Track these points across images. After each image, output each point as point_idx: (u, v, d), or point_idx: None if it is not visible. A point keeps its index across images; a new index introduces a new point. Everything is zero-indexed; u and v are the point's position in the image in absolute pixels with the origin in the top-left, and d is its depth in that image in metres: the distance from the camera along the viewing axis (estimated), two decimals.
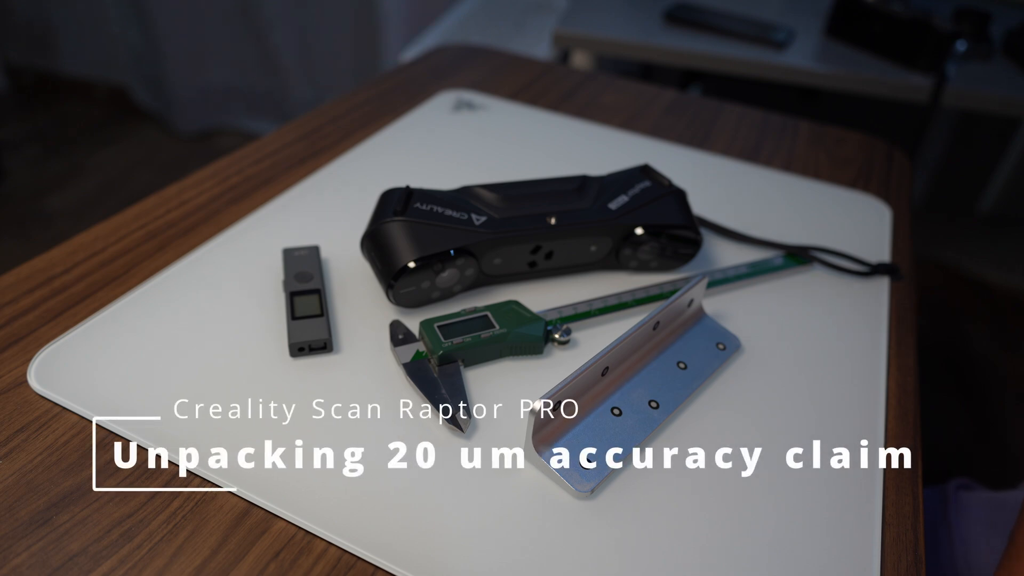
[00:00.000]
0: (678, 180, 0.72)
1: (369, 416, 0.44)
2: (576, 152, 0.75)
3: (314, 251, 0.55)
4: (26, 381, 0.45)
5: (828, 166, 0.77)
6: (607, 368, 0.45)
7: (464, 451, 0.43)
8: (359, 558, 0.37)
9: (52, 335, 0.48)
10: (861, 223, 0.67)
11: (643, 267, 0.57)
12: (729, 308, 0.55)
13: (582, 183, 0.56)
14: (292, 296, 0.51)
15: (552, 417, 0.42)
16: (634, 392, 0.46)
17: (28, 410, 0.43)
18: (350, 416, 0.44)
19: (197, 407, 0.44)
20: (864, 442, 0.46)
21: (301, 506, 0.39)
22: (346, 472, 0.41)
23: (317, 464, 0.41)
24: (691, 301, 0.51)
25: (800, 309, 0.56)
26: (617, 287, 0.56)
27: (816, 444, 0.45)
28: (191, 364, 0.47)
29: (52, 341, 0.48)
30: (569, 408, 0.43)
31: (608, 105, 0.86)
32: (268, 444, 0.42)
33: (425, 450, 0.42)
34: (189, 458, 0.41)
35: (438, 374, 0.46)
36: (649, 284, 0.56)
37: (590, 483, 0.41)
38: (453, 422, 0.43)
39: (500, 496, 0.40)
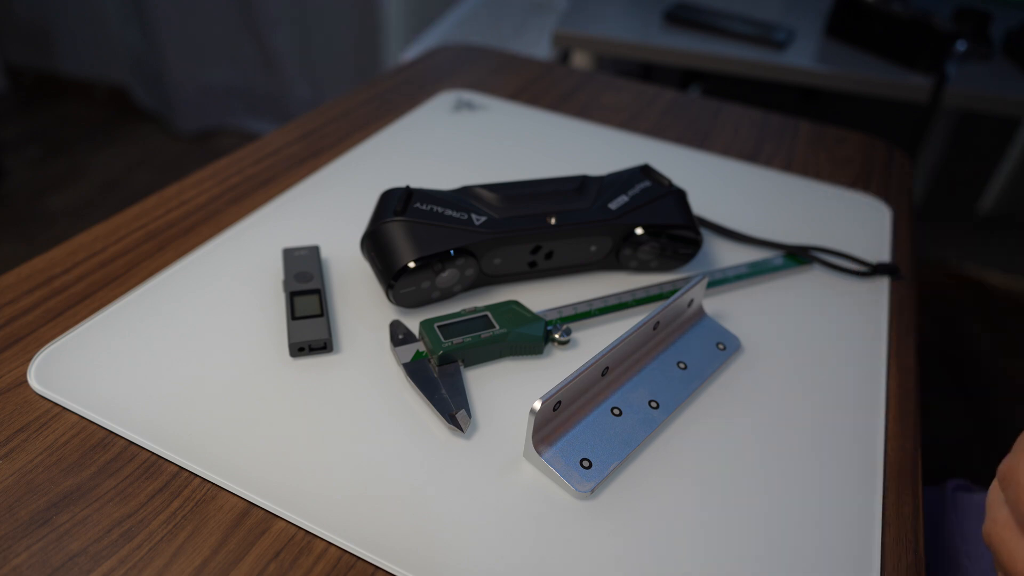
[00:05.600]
0: (678, 180, 0.72)
1: (369, 416, 0.44)
2: (576, 152, 0.75)
3: (314, 251, 0.55)
4: (26, 381, 0.45)
5: (828, 166, 0.77)
6: (607, 368, 0.45)
7: (464, 451, 0.43)
8: (359, 558, 0.37)
9: (52, 335, 0.49)
10: (861, 223, 0.67)
11: (643, 267, 0.57)
12: (729, 308, 0.55)
13: (582, 183, 0.56)
14: (292, 296, 0.51)
15: (552, 417, 0.42)
16: (634, 392, 0.46)
17: (28, 410, 0.43)
18: (350, 416, 0.44)
19: (197, 407, 0.44)
20: (864, 442, 0.46)
21: (301, 506, 0.39)
22: (346, 472, 0.41)
23: (317, 464, 0.41)
24: (691, 301, 0.51)
25: (800, 309, 0.56)
26: (617, 287, 0.56)
27: (816, 444, 0.45)
28: (191, 364, 0.47)
29: (52, 341, 0.48)
30: (569, 408, 0.43)
31: (608, 105, 0.86)
32: (268, 444, 0.42)
33: (425, 450, 0.42)
34: (189, 458, 0.41)
35: (438, 374, 0.46)
36: (649, 284, 0.56)
37: (590, 483, 0.41)
38: (453, 422, 0.43)
39: (500, 496, 0.40)
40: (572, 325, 0.51)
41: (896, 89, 1.23)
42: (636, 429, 0.44)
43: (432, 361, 0.47)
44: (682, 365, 0.49)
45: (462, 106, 0.82)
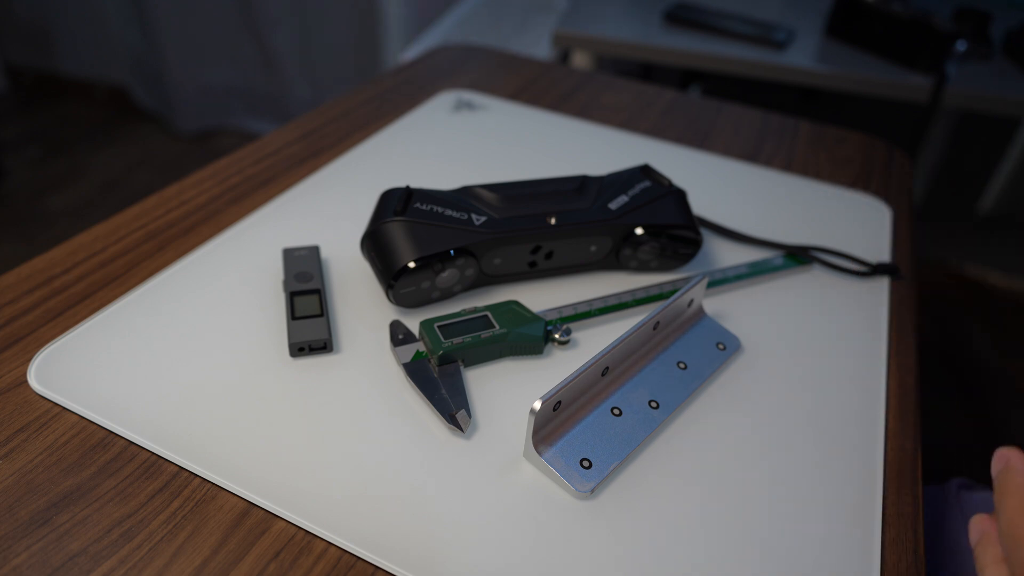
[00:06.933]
0: (678, 180, 0.72)
1: (369, 416, 0.44)
2: (576, 152, 0.75)
3: (314, 251, 0.55)
4: (26, 381, 0.45)
5: (828, 166, 0.77)
6: (607, 368, 0.45)
7: (464, 451, 0.43)
8: (359, 558, 0.37)
9: (52, 335, 0.49)
10: (861, 223, 0.67)
11: (643, 267, 0.57)
12: (729, 308, 0.55)
13: (582, 183, 0.56)
14: (292, 296, 0.51)
15: (552, 417, 0.42)
16: (634, 392, 0.46)
17: (28, 410, 0.43)
18: (350, 416, 0.44)
19: (197, 407, 0.44)
20: (864, 442, 0.46)
21: (301, 506, 0.39)
22: (346, 472, 0.41)
23: (317, 464, 0.41)
24: (691, 301, 0.51)
25: (800, 309, 0.56)
26: (617, 287, 0.56)
27: (816, 444, 0.45)
28: (191, 364, 0.47)
29: (52, 341, 0.48)
30: (569, 408, 0.43)
31: (608, 105, 0.86)
32: (268, 444, 0.42)
33: (425, 450, 0.42)
34: (189, 458, 0.41)
35: (438, 374, 0.46)
36: (649, 284, 0.56)
37: (590, 483, 0.41)
38: (453, 422, 0.43)
39: (500, 496, 0.40)
40: (572, 325, 0.51)
41: (896, 89, 1.23)
42: (636, 429, 0.44)
43: (432, 361, 0.47)
44: (682, 365, 0.49)
45: (462, 106, 0.82)
